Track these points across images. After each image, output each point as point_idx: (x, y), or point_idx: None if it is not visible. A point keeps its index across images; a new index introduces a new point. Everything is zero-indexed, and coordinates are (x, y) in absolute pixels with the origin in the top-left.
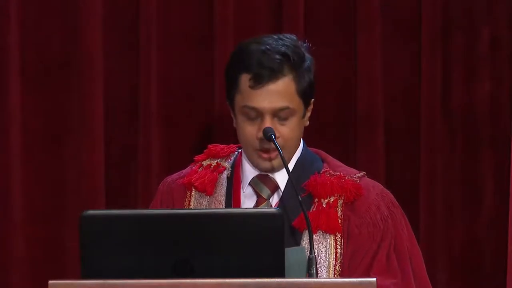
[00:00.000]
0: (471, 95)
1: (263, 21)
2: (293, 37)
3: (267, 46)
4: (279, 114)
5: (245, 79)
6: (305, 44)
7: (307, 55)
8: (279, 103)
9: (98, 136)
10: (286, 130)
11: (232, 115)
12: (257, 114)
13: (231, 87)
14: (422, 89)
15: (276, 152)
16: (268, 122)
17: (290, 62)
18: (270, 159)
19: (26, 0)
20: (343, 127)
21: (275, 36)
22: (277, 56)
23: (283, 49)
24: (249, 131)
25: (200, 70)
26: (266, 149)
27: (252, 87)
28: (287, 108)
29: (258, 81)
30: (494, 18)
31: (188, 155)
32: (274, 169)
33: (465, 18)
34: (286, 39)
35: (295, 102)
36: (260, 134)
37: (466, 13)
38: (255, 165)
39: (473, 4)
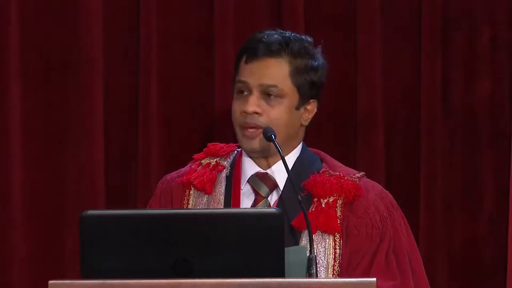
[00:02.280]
0: (471, 95)
1: (263, 22)
2: (309, 38)
3: (273, 31)
4: (268, 92)
5: (243, 59)
6: (319, 48)
7: (319, 57)
8: (268, 80)
9: (98, 136)
10: (271, 111)
11: None
12: (246, 89)
13: (235, 72)
14: (422, 89)
15: (259, 130)
16: (254, 97)
17: (289, 49)
18: (252, 137)
19: (26, 0)
20: (343, 127)
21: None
22: (278, 37)
23: (287, 35)
24: (236, 106)
25: (200, 70)
26: (248, 124)
27: (246, 62)
28: (275, 86)
29: (252, 55)
30: (494, 18)
31: (188, 155)
32: (256, 150)
33: (465, 18)
34: (300, 35)
35: (286, 85)
36: (244, 108)
37: (466, 13)
38: (242, 146)
39: (473, 4)
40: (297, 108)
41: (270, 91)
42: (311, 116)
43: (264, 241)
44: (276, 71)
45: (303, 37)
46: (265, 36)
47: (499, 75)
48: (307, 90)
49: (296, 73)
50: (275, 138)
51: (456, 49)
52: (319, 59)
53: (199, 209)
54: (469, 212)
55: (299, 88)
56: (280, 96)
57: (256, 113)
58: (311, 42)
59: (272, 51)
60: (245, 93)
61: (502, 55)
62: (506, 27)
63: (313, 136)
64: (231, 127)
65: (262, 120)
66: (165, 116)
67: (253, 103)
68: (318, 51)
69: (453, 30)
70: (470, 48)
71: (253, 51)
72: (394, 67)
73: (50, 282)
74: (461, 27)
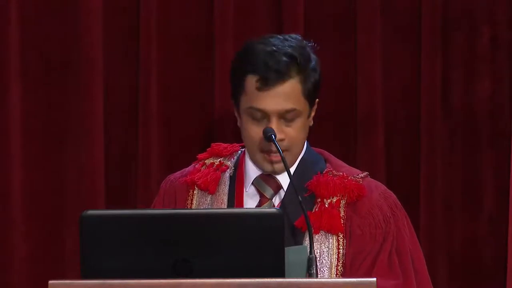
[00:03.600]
0: (471, 95)
1: (263, 22)
2: (298, 37)
3: (274, 48)
4: (286, 116)
5: (251, 81)
6: (310, 44)
7: (313, 55)
8: (286, 105)
9: (98, 136)
10: (292, 132)
11: (236, 115)
12: (263, 116)
13: (237, 88)
14: (422, 89)
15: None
16: (274, 124)
17: (297, 64)
18: (276, 162)
19: (26, 0)
20: (343, 127)
21: (280, 37)
22: (284, 58)
23: (289, 50)
24: (255, 132)
25: (200, 70)
26: (272, 151)
27: (258, 89)
28: (293, 110)
29: (265, 83)
30: (494, 18)
31: (188, 155)
32: (277, 172)
33: (465, 18)
34: (292, 39)
35: (301, 104)
36: None
37: (466, 13)
38: (259, 167)
39: (473, 4)
40: (308, 117)
41: (289, 115)
42: (314, 113)
43: (264, 241)
44: (291, 95)
45: (296, 39)
46: (272, 59)
47: (499, 75)
48: (313, 95)
49: (305, 86)
50: (275, 138)
51: (456, 49)
52: (314, 57)
53: (199, 209)
54: (469, 212)
55: (309, 98)
56: (298, 115)
57: (280, 139)
58: (302, 41)
59: (283, 74)
60: (262, 119)
61: (502, 55)
62: (506, 27)
63: (313, 136)
64: (231, 127)
65: (285, 144)
66: (165, 116)
67: (277, 130)
68: (310, 49)
69: (453, 30)
70: (470, 48)
71: (265, 79)
72: (394, 67)
73: (50, 282)
74: (461, 27)
